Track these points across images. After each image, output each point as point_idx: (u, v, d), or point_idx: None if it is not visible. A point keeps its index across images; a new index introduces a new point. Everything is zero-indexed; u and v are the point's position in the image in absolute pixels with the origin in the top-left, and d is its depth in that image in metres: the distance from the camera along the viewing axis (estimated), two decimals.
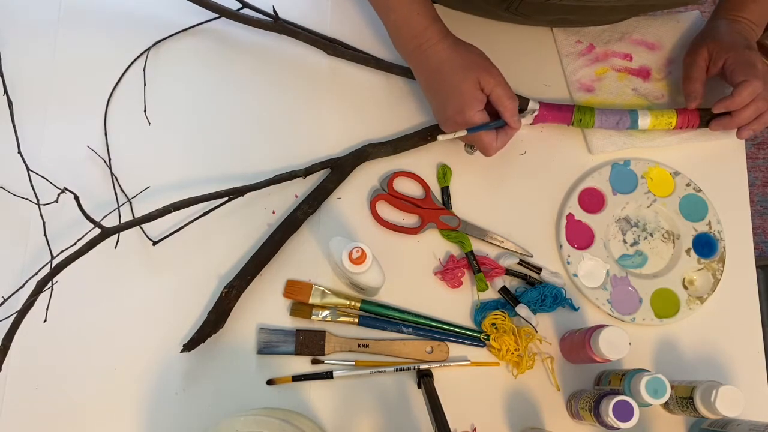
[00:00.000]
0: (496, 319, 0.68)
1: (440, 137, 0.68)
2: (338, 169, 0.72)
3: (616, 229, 0.73)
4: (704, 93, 0.71)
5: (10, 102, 0.70)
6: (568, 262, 0.71)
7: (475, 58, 0.64)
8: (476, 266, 0.70)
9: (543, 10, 0.73)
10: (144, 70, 0.76)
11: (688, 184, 0.74)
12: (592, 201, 0.73)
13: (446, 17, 0.68)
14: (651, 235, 0.73)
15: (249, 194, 0.69)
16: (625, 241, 0.73)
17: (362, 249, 0.60)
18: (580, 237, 0.72)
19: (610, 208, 0.73)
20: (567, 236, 0.71)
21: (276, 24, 0.74)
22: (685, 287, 0.71)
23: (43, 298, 0.60)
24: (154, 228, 0.69)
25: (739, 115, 0.68)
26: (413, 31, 0.64)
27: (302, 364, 0.67)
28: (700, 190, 0.73)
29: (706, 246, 0.72)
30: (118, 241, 0.68)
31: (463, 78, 0.63)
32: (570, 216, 0.72)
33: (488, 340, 0.68)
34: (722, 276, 0.71)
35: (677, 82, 0.77)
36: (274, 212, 0.72)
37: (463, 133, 0.65)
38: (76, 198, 0.60)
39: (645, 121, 0.72)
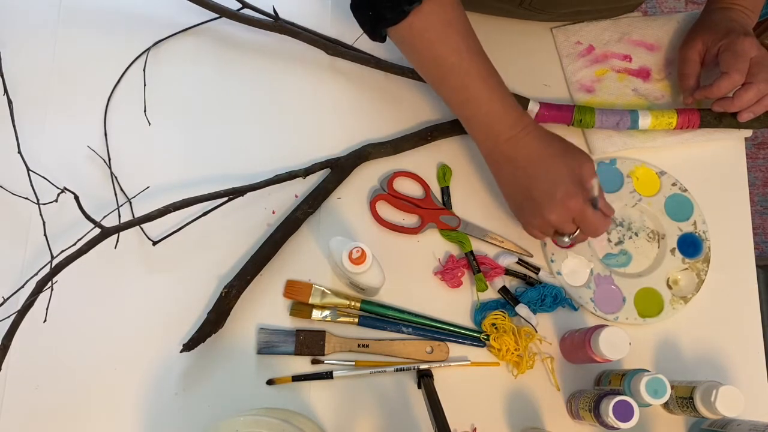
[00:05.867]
0: (496, 319, 0.68)
1: (565, 239, 0.64)
2: (338, 169, 0.72)
3: None
4: (698, 87, 0.72)
5: (10, 102, 0.70)
6: (552, 260, 0.71)
7: (569, 144, 0.63)
8: (476, 266, 0.70)
9: (556, 3, 0.73)
10: (144, 70, 0.76)
11: (673, 184, 0.74)
12: None
13: None
14: (636, 234, 0.73)
15: (249, 194, 0.69)
16: (609, 240, 0.73)
17: (362, 249, 0.60)
18: None
19: None
20: None
21: (276, 24, 0.74)
22: (670, 287, 0.71)
23: (43, 297, 0.60)
24: (154, 228, 0.69)
25: (740, 97, 0.68)
26: (509, 120, 0.61)
27: (302, 364, 0.67)
28: (685, 190, 0.73)
29: (691, 246, 0.72)
30: (118, 241, 0.68)
31: (571, 161, 0.61)
32: None
33: (488, 340, 0.68)
34: (707, 276, 0.71)
35: (677, 83, 0.77)
36: (274, 212, 0.72)
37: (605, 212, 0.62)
38: (76, 198, 0.60)
39: (645, 121, 0.72)
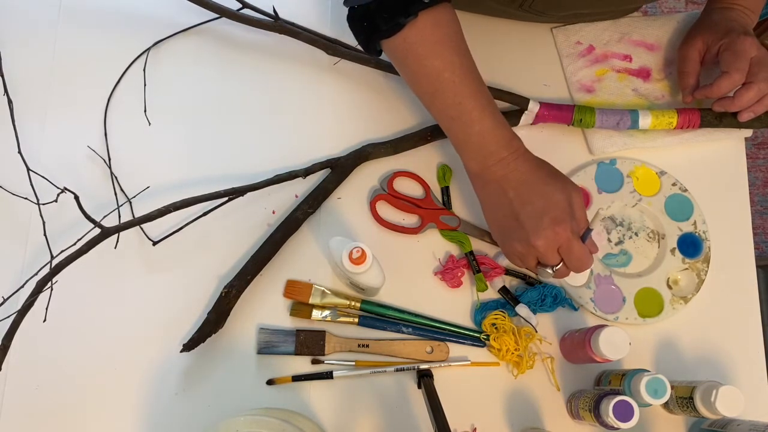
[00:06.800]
0: (496, 319, 0.68)
1: (548, 270, 0.60)
2: (338, 169, 0.72)
3: (601, 227, 0.73)
4: (697, 86, 0.72)
5: (10, 102, 0.70)
6: None
7: (559, 171, 0.61)
8: (476, 266, 0.70)
9: (557, 6, 0.72)
10: (144, 70, 0.76)
11: (674, 184, 0.74)
12: None
13: None
14: (636, 234, 0.73)
15: (249, 194, 0.69)
16: (609, 240, 0.73)
17: (362, 249, 0.60)
18: None
19: (595, 207, 0.73)
20: None
21: (276, 24, 0.74)
22: (670, 287, 0.71)
23: (43, 297, 0.60)
24: (154, 228, 0.69)
25: (741, 97, 0.68)
26: (502, 141, 0.59)
27: (302, 364, 0.67)
28: (686, 190, 0.73)
29: (691, 246, 0.72)
30: (117, 241, 0.68)
31: (562, 188, 0.59)
32: None
33: (488, 340, 0.68)
34: (707, 276, 0.71)
35: (677, 81, 0.77)
36: (274, 212, 0.72)
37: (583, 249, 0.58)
38: (76, 198, 0.60)
39: (645, 121, 0.72)
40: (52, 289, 0.62)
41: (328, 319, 0.68)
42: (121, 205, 0.71)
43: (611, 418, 0.58)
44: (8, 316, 0.59)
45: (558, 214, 0.57)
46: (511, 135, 0.60)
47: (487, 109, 0.60)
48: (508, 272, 0.71)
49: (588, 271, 0.70)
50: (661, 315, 0.69)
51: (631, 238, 0.73)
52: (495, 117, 0.60)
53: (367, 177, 0.74)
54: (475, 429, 0.66)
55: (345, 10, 0.61)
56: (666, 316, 0.69)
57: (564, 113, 0.73)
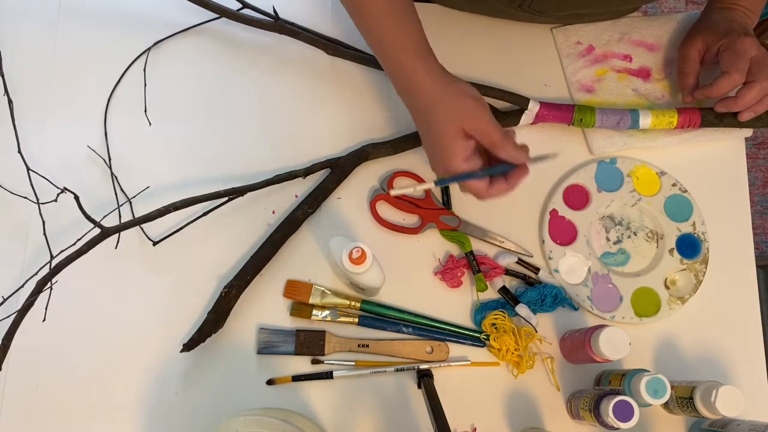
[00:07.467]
0: (496, 319, 0.68)
1: (395, 192, 0.61)
2: (338, 169, 0.72)
3: (600, 226, 0.73)
4: (697, 86, 0.72)
5: (10, 102, 0.70)
6: (550, 258, 0.71)
7: (462, 101, 0.58)
8: (476, 266, 0.70)
9: (556, 5, 0.73)
10: (144, 70, 0.76)
11: (674, 184, 0.74)
12: (577, 197, 0.73)
13: (450, 18, 0.67)
14: (635, 233, 0.73)
15: (249, 194, 0.69)
16: (608, 239, 0.73)
17: (362, 249, 0.60)
18: (562, 233, 0.72)
19: (595, 206, 0.73)
20: (550, 232, 0.71)
21: (276, 24, 0.74)
22: (667, 287, 0.71)
23: (43, 297, 0.60)
24: (154, 228, 0.69)
25: (743, 96, 0.68)
26: (401, 68, 0.60)
27: (302, 364, 0.67)
28: (685, 191, 0.73)
29: (689, 247, 0.72)
30: (118, 241, 0.68)
31: (446, 124, 0.58)
32: (553, 212, 0.72)
33: (488, 340, 0.68)
34: (705, 277, 0.71)
35: (677, 81, 0.77)
36: (274, 212, 0.72)
37: (428, 185, 0.61)
38: (76, 198, 0.60)
39: (646, 120, 0.72)
40: (52, 289, 0.62)
41: (328, 319, 0.68)
42: (121, 205, 0.71)
43: (611, 418, 0.58)
44: (8, 316, 0.59)
45: (440, 154, 0.59)
46: (414, 59, 0.59)
47: (410, 38, 0.59)
48: (508, 272, 0.71)
49: (585, 268, 0.70)
50: (657, 315, 0.69)
51: (629, 237, 0.73)
52: (417, 43, 0.59)
53: (367, 177, 0.74)
54: (475, 429, 0.66)
55: (345, 11, 0.61)
56: (663, 316, 0.69)
57: (564, 113, 0.73)
